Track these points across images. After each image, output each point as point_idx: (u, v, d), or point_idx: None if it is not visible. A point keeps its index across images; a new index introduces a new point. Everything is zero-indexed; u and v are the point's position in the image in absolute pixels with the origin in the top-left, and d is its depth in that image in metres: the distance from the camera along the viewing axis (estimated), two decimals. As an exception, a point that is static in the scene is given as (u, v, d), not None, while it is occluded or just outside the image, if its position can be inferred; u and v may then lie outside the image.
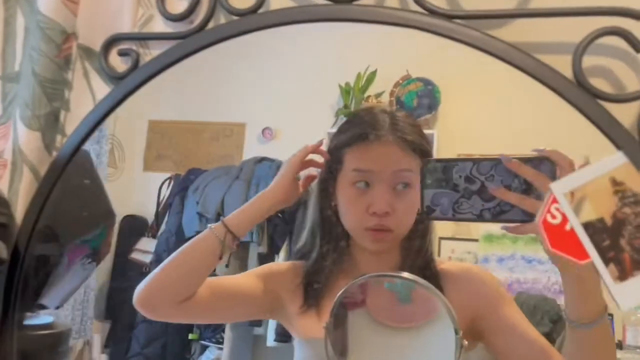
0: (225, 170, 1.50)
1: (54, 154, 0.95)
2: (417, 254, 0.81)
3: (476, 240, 1.19)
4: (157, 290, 0.78)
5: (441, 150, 1.18)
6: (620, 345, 1.04)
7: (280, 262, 0.89)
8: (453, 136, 1.19)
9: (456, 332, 0.64)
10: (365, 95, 1.25)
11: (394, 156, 0.76)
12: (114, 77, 0.94)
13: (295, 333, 0.83)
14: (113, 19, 0.94)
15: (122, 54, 0.93)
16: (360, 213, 0.76)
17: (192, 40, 0.90)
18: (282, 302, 0.84)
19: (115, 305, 1.66)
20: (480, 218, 0.65)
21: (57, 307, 1.11)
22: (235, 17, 0.90)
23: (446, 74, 1.20)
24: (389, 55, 1.09)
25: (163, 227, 1.66)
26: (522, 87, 0.84)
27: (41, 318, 1.08)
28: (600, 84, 0.79)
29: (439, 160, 0.66)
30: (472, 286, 0.79)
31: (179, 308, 0.77)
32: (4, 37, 0.95)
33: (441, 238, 1.19)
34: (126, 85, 0.92)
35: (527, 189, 0.63)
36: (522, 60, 0.80)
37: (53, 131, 0.95)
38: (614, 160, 0.76)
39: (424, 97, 1.20)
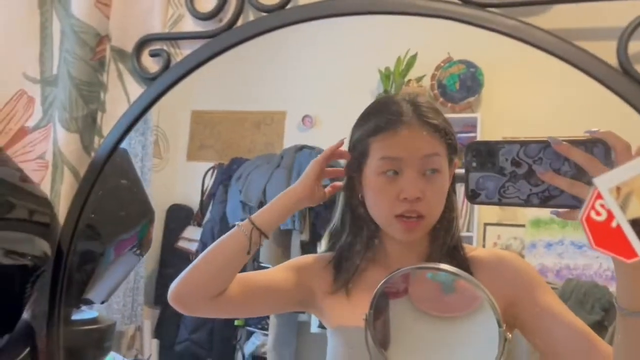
0: (266, 158, 1.51)
1: (93, 154, 0.97)
2: (445, 242, 0.80)
3: (523, 226, 1.15)
4: (190, 287, 0.82)
5: (485, 134, 1.17)
6: None
7: (312, 254, 0.90)
8: (498, 119, 1.18)
9: (499, 325, 0.64)
10: (406, 79, 1.23)
11: (422, 141, 0.75)
12: (146, 78, 0.95)
13: (327, 323, 0.84)
14: (144, 19, 0.95)
15: (153, 54, 0.94)
16: (390, 200, 0.76)
17: (221, 38, 0.89)
18: (313, 293, 0.84)
19: (164, 292, 1.71)
20: (527, 203, 0.63)
21: (103, 302, 1.14)
22: (263, 14, 0.89)
23: (489, 56, 1.17)
24: (430, 38, 1.07)
25: (208, 215, 1.70)
26: (568, 69, 0.81)
27: (86, 313, 1.12)
28: (648, 71, 0.75)
29: (484, 143, 0.64)
30: (505, 272, 0.78)
31: (211, 304, 0.80)
32: (41, 42, 0.98)
33: (486, 224, 1.18)
34: (158, 86, 0.92)
35: (578, 173, 0.60)
36: (563, 48, 0.75)
37: (91, 132, 0.97)
38: (663, 152, 0.72)
39: (466, 80, 1.18)
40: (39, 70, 0.99)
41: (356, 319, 0.71)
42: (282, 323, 1.66)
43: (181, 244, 1.76)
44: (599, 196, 0.69)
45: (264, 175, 1.48)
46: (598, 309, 1.07)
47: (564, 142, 0.60)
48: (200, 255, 0.82)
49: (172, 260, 1.71)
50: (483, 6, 0.79)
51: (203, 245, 1.49)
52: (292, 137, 1.39)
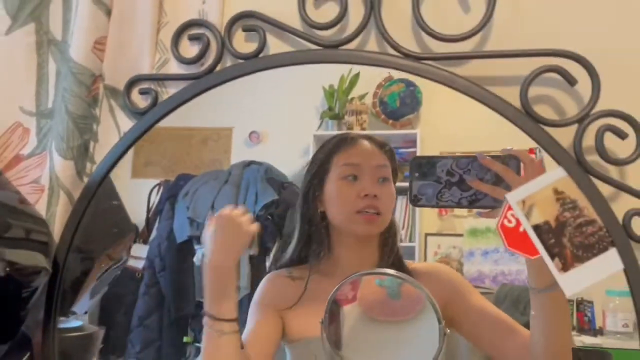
0: (214, 174, 1.47)
1: (85, 179, 1.09)
2: (391, 252, 0.93)
3: (461, 235, 1.19)
4: None
5: (424, 148, 1.23)
6: (601, 331, 1.09)
7: (265, 281, 0.97)
8: (435, 135, 1.24)
9: (439, 322, 0.75)
10: (349, 97, 1.26)
11: (374, 154, 0.92)
12: (136, 113, 1.08)
13: (287, 336, 0.91)
14: (134, 62, 1.08)
15: (142, 92, 1.07)
16: (352, 199, 0.90)
17: (203, 80, 1.04)
18: (280, 312, 0.91)
19: (111, 311, 1.72)
20: (458, 205, 0.78)
21: (85, 312, 1.24)
22: (240, 60, 1.05)
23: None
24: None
25: (154, 233, 1.68)
26: None
27: (72, 322, 1.21)
28: (543, 111, 0.95)
29: (425, 157, 0.79)
30: (441, 279, 0.91)
31: None
32: (37, 80, 1.10)
33: (427, 234, 1.22)
34: (147, 120, 1.06)
35: (497, 181, 0.76)
36: (479, 93, 0.95)
37: (84, 160, 1.08)
38: (555, 174, 0.92)
39: (406, 98, 1.22)
40: (35, 105, 1.10)
41: (313, 329, 0.77)
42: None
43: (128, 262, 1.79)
44: (510, 208, 0.89)
45: (212, 191, 1.46)
46: (529, 311, 1.21)
47: (487, 157, 0.77)
48: None
49: (120, 278, 1.73)
50: (419, 59, 0.99)
51: (150, 262, 1.42)
52: (239, 153, 1.38)
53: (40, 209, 1.07)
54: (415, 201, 0.77)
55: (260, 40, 1.03)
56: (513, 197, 0.93)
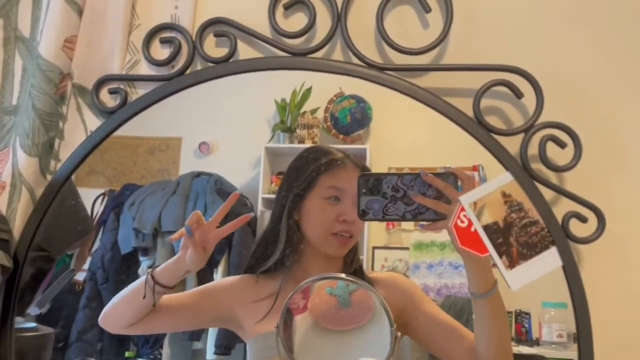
0: (161, 185, 1.45)
1: (48, 177, 1.09)
2: (352, 263, 0.97)
3: (407, 249, 1.22)
4: (109, 319, 0.94)
5: (374, 163, 1.25)
6: (537, 342, 1.12)
7: (226, 277, 1.05)
8: (384, 150, 1.27)
9: (391, 325, 0.77)
10: (301, 111, 1.28)
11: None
12: (105, 112, 1.09)
13: (247, 333, 0.94)
14: (104, 62, 1.09)
15: (112, 92, 1.09)
16: (330, 220, 0.93)
17: (173, 82, 1.07)
18: (231, 310, 0.95)
19: (48, 325, 1.66)
20: (403, 218, 0.81)
21: (40, 313, 1.22)
22: (210, 64, 1.09)
23: (377, 93, 1.22)
24: (324, 73, 1.11)
25: (97, 243, 1.63)
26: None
27: (25, 323, 1.19)
28: (493, 121, 1.04)
29: (371, 174, 0.83)
30: (396, 287, 0.95)
31: (129, 329, 0.94)
32: (2, 75, 1.09)
33: (375, 247, 1.24)
34: (115, 119, 1.08)
35: (438, 195, 0.80)
36: (435, 102, 1.03)
37: (48, 157, 1.08)
38: (503, 178, 1.00)
39: (356, 114, 1.25)
40: (-1, 101, 1.10)
41: (271, 326, 0.82)
42: (176, 352, 1.68)
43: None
44: (463, 209, 0.96)
45: (159, 202, 1.44)
46: (472, 321, 1.26)
47: (429, 174, 0.82)
48: (118, 295, 0.94)
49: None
50: (382, 69, 1.06)
51: (91, 274, 1.39)
52: (188, 164, 1.36)
53: (2, 206, 1.06)
54: (363, 215, 0.81)
55: (231, 45, 1.08)
56: (466, 199, 1.00)
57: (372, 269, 1.24)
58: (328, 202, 0.94)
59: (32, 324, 1.21)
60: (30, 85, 1.05)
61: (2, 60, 1.09)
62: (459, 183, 0.83)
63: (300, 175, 0.96)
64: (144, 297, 0.88)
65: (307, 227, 0.95)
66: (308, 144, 1.30)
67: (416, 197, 0.80)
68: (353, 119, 1.26)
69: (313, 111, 1.29)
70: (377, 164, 1.26)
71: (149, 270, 0.89)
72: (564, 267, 0.99)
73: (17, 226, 1.06)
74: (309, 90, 1.24)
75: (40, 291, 1.16)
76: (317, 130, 1.30)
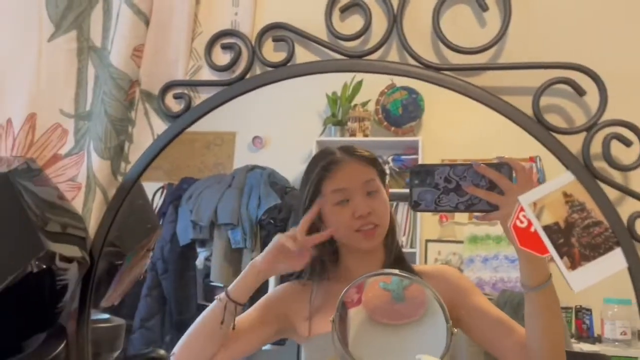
0: (217, 179, 1.51)
1: (119, 178, 1.15)
2: (393, 251, 0.98)
3: (461, 242, 1.23)
4: (186, 355, 0.94)
5: (426, 155, 1.26)
6: (599, 339, 1.11)
7: (275, 288, 1.04)
8: (437, 142, 1.28)
9: (447, 321, 0.78)
10: (352, 104, 1.30)
11: (359, 171, 0.97)
12: (170, 116, 1.14)
13: (303, 337, 0.96)
14: (169, 68, 1.14)
15: (176, 97, 1.14)
16: (348, 220, 0.95)
17: (234, 87, 1.11)
18: (289, 318, 0.97)
19: (113, 313, 1.73)
20: (456, 209, 0.82)
21: (112, 306, 1.29)
22: (269, 69, 1.12)
23: (429, 85, 1.19)
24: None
25: (158, 238, 1.73)
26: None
27: (99, 315, 1.27)
28: (553, 119, 1.02)
29: (423, 165, 0.86)
30: (447, 281, 0.96)
31: None
32: (77, 84, 1.16)
33: (427, 241, 1.25)
34: (180, 123, 1.13)
35: (491, 186, 0.82)
36: (493, 101, 1.02)
37: (119, 160, 1.15)
38: (564, 178, 0.99)
39: (408, 106, 1.26)
40: (74, 107, 1.17)
41: (327, 327, 0.84)
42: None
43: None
44: (522, 209, 0.95)
45: (215, 195, 1.48)
46: None
47: (482, 165, 0.83)
48: (189, 333, 0.93)
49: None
50: (438, 69, 1.06)
51: (152, 264, 1.45)
52: (242, 158, 1.41)
53: (77, 205, 1.13)
54: (415, 206, 0.83)
55: (289, 49, 1.10)
56: (525, 199, 0.99)
57: (426, 262, 1.25)
58: (339, 206, 0.95)
59: (106, 315, 1.28)
60: (102, 93, 1.12)
61: (76, 69, 1.16)
62: (514, 174, 0.82)
63: (306, 187, 0.98)
64: (222, 323, 0.88)
65: (335, 233, 0.96)
66: (359, 137, 1.32)
67: (468, 187, 0.81)
68: (405, 111, 1.26)
69: (364, 104, 1.29)
70: (430, 156, 1.27)
71: (221, 294, 0.90)
72: (629, 269, 0.96)
73: (92, 225, 1.13)
74: (360, 83, 1.24)
75: (113, 285, 1.23)
76: (368, 123, 1.31)
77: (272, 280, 1.25)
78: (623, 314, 1.08)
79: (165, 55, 1.14)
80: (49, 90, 1.16)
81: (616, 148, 0.99)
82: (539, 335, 0.86)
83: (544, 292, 0.83)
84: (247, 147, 1.40)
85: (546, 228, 0.98)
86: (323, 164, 0.97)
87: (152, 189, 1.37)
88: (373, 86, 1.28)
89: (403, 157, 1.27)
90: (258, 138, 1.38)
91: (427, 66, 1.06)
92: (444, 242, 1.25)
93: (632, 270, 0.96)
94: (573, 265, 0.97)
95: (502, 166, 0.81)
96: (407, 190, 0.88)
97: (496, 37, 1.04)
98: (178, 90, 1.14)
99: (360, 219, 0.94)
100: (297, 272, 0.99)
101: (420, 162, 1.26)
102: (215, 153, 1.43)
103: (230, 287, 0.92)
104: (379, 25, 1.09)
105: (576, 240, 0.98)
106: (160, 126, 1.16)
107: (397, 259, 0.98)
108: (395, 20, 1.07)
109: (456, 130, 1.25)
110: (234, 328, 0.90)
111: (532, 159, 1.15)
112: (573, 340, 1.12)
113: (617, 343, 1.09)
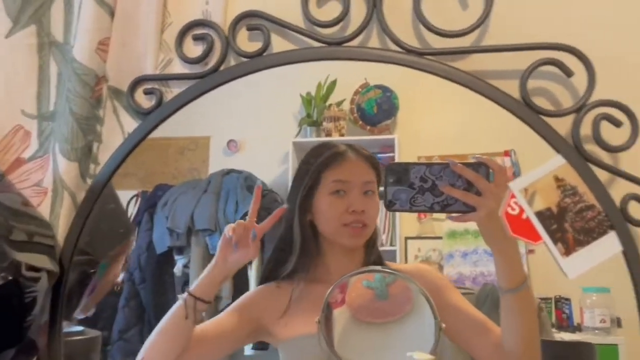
0: (192, 184, 1.50)
1: (88, 181, 1.09)
2: (373, 252, 0.96)
3: (440, 238, 1.23)
4: (152, 357, 0.89)
5: (402, 153, 1.25)
6: (579, 328, 1.10)
7: (248, 291, 1.02)
8: (413, 140, 1.26)
9: (435, 317, 0.76)
10: (327, 103, 1.28)
11: (362, 169, 0.95)
12: (140, 113, 1.08)
13: (278, 339, 0.93)
14: (138, 62, 1.08)
15: (147, 92, 1.08)
16: (340, 213, 0.92)
17: (208, 80, 1.06)
18: (260, 322, 0.94)
19: (88, 326, 1.69)
20: (431, 209, 0.78)
21: (87, 318, 1.23)
22: (244, 59, 1.07)
23: (403, 82, 1.24)
24: (347, 65, 1.08)
25: (133, 244, 1.70)
26: (470, 97, 1.00)
27: (72, 327, 1.21)
28: (541, 102, 0.99)
29: (398, 164, 0.80)
30: (424, 279, 0.90)
31: None
32: (39, 82, 1.09)
33: (407, 238, 1.25)
34: (152, 120, 1.07)
35: (468, 186, 0.76)
36: (480, 85, 0.99)
37: (87, 161, 1.08)
38: (555, 162, 0.97)
39: (383, 104, 1.25)
40: (36, 107, 1.10)
41: (307, 328, 0.82)
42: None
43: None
44: (513, 196, 0.92)
45: (191, 201, 1.47)
46: None
47: (459, 164, 0.78)
48: (155, 332, 0.90)
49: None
50: (421, 54, 1.02)
51: (129, 274, 1.44)
52: (217, 162, 1.39)
53: (43, 211, 1.07)
54: (389, 206, 0.79)
55: (264, 39, 1.06)
56: (516, 185, 0.96)
57: (406, 259, 1.25)
58: (335, 196, 0.93)
59: (79, 328, 1.22)
60: (67, 90, 1.05)
61: (37, 67, 1.09)
62: (490, 173, 0.78)
63: (305, 175, 0.95)
64: (187, 317, 0.86)
65: (320, 224, 0.95)
66: (335, 137, 1.30)
67: (444, 188, 0.77)
68: (380, 109, 1.25)
69: (339, 103, 1.28)
70: (407, 154, 1.26)
71: (186, 291, 0.88)
72: (624, 253, 0.94)
73: (61, 232, 1.06)
74: (334, 82, 1.24)
75: (86, 295, 1.17)
76: (343, 123, 1.30)
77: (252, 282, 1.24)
78: (602, 302, 1.08)
79: (133, 49, 1.09)
80: (8, 90, 1.08)
81: (606, 129, 0.97)
82: (514, 335, 0.83)
83: (520, 294, 0.80)
84: (222, 151, 1.38)
85: (538, 214, 0.96)
86: (329, 154, 0.95)
87: (126, 197, 1.35)
88: (347, 85, 1.27)
89: (380, 155, 1.23)
90: (233, 142, 1.36)
91: (410, 51, 1.02)
92: (423, 239, 1.25)
93: (627, 253, 0.94)
94: (567, 251, 0.95)
95: (479, 166, 0.77)
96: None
97: (480, 19, 1.01)
98: (148, 86, 1.09)
99: (354, 215, 0.92)
100: (288, 272, 0.96)
101: (397, 160, 1.24)
102: (189, 158, 1.41)
103: (193, 285, 0.89)
104: (358, 10, 1.05)
105: (569, 225, 0.96)
106: (130, 124, 1.10)
107: (376, 261, 0.96)
108: (374, 5, 1.04)
109: (432, 126, 1.25)
110: (199, 322, 0.88)
111: (506, 153, 1.14)
112: (554, 330, 1.12)
113: (596, 331, 1.09)
